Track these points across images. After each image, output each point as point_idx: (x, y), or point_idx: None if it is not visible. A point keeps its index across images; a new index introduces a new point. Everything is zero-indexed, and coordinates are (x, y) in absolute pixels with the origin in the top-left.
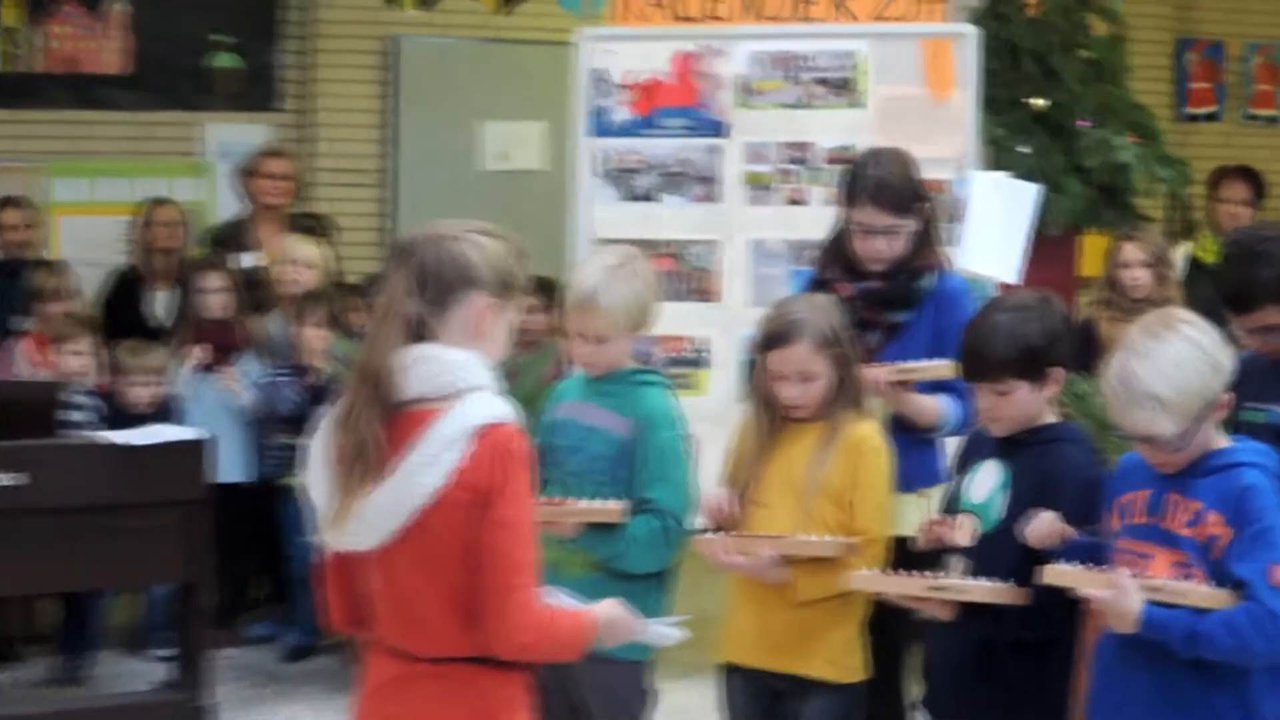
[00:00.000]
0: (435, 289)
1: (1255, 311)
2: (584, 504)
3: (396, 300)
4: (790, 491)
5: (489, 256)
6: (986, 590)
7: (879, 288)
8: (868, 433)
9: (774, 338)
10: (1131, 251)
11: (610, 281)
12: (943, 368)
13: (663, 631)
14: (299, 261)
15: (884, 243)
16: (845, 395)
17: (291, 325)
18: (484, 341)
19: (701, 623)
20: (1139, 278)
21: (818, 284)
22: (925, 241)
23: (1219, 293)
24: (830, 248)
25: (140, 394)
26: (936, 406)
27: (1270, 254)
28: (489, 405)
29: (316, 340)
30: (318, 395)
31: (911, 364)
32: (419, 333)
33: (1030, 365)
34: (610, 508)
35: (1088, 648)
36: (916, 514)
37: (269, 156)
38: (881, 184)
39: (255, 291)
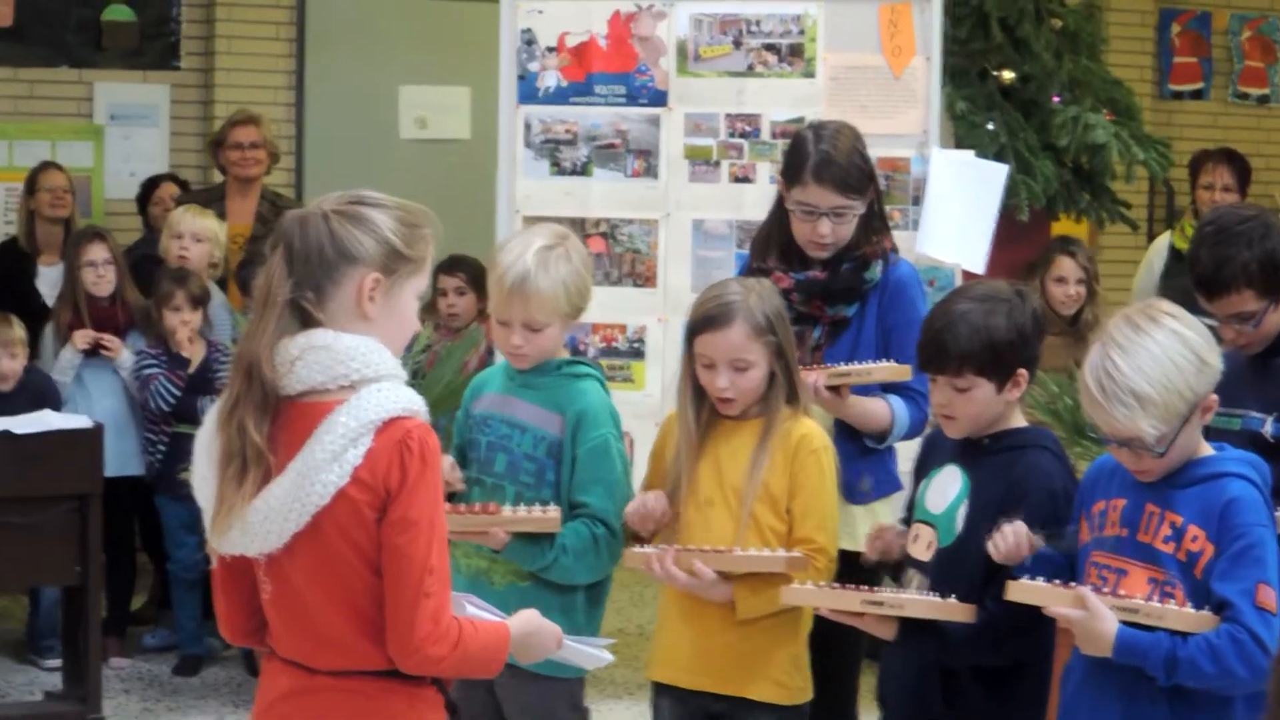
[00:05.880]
0: (307, 273)
1: (1229, 296)
2: (520, 512)
3: (271, 288)
4: (723, 497)
5: (367, 227)
6: (926, 605)
7: (820, 278)
8: (808, 432)
9: (705, 320)
10: (1070, 268)
11: (544, 263)
12: (886, 370)
13: (587, 652)
14: (185, 235)
15: (829, 226)
16: (781, 391)
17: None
18: (380, 323)
19: (639, 639)
20: (1072, 295)
21: (752, 273)
22: (872, 227)
23: (1191, 273)
24: (766, 233)
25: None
26: (885, 410)
27: (1249, 234)
28: (390, 397)
29: (180, 327)
30: (195, 385)
31: (849, 366)
32: (305, 320)
33: (993, 362)
34: (547, 516)
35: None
36: (865, 528)
37: (237, 125)
38: (827, 160)
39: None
